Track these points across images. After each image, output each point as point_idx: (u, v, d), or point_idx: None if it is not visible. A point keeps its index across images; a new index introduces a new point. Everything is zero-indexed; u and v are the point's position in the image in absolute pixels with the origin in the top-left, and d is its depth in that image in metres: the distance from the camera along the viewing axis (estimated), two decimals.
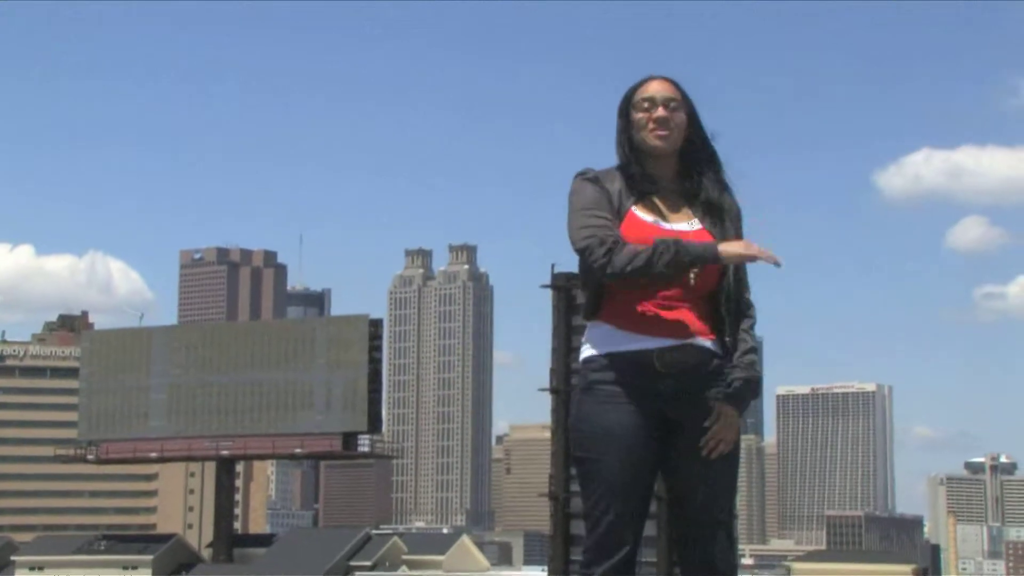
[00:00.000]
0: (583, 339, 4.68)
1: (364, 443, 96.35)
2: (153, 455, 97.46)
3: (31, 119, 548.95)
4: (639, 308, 4.51)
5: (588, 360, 4.57)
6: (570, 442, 4.71)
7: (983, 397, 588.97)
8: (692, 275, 4.49)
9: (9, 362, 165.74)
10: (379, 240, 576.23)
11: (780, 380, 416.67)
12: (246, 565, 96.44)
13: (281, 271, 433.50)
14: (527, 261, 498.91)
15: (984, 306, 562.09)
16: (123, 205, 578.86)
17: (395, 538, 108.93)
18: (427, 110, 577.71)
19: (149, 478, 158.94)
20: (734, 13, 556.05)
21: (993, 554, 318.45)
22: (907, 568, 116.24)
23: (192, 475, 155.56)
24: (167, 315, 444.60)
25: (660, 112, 4.58)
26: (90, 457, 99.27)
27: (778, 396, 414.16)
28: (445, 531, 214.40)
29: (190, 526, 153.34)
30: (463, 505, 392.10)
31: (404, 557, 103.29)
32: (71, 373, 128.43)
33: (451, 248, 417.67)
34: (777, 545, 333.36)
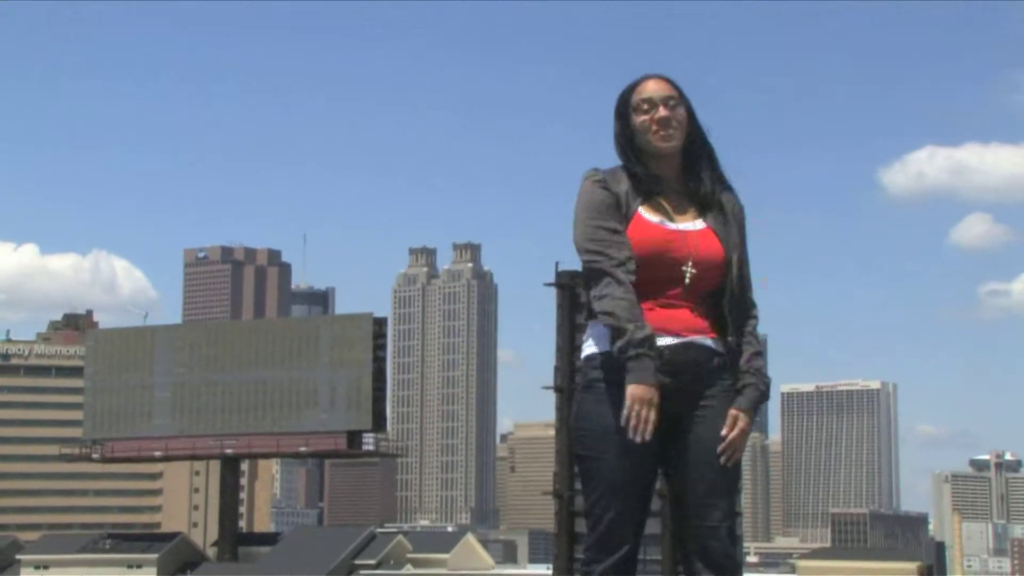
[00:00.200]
0: (584, 337, 4.69)
1: (369, 441, 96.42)
2: (158, 454, 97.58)
3: (35, 119, 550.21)
4: (641, 305, 4.51)
5: (589, 358, 4.58)
6: (572, 440, 4.73)
7: (988, 394, 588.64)
8: (688, 273, 4.51)
9: (14, 361, 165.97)
10: (383, 239, 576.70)
11: (784, 378, 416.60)
12: (251, 564, 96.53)
13: (285, 270, 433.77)
14: (531, 259, 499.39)
15: (988, 303, 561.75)
16: (127, 204, 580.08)
17: (400, 536, 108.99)
18: (431, 109, 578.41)
19: (154, 477, 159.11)
20: (736, 13, 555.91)
21: (998, 551, 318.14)
22: (912, 566, 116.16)
23: (197, 474, 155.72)
24: (171, 314, 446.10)
25: (662, 112, 4.57)
26: (95, 456, 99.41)
27: (783, 394, 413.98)
28: (450, 529, 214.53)
29: (195, 525, 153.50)
30: (467, 503, 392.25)
31: (409, 555, 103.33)
32: (76, 372, 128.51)
33: (455, 247, 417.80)
34: (782, 543, 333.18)
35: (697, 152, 4.67)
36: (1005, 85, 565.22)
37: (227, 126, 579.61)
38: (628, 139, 4.64)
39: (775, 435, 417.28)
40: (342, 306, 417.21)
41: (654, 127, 4.57)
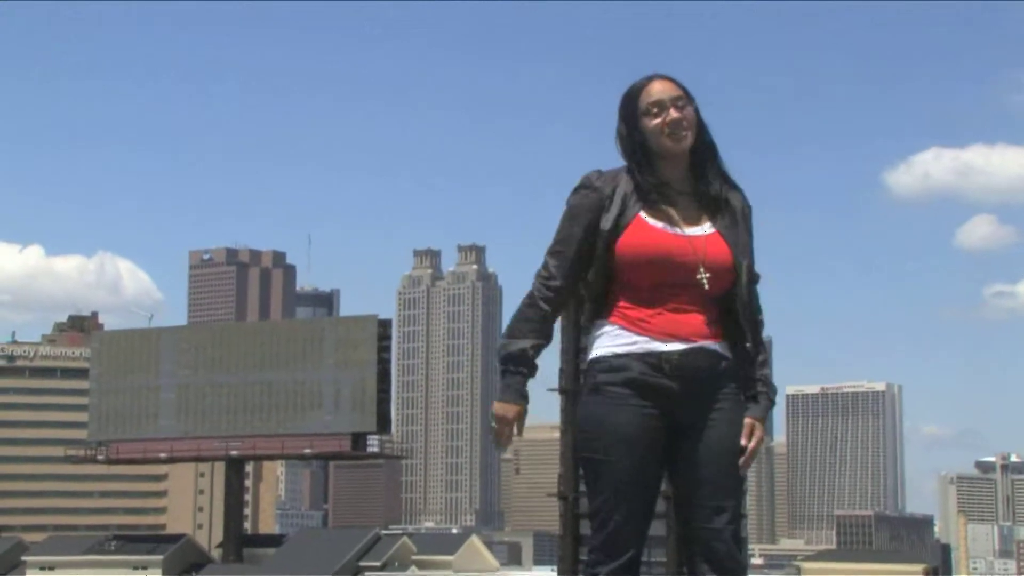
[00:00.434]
0: (590, 339, 4.66)
1: (373, 443, 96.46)
2: (163, 455, 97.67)
3: (39, 120, 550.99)
4: (647, 310, 4.49)
5: (596, 360, 4.54)
6: (576, 442, 4.70)
7: (993, 396, 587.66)
8: (704, 278, 4.47)
9: (19, 363, 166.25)
10: (388, 240, 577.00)
11: (789, 379, 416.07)
12: (256, 565, 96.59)
13: (290, 271, 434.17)
14: (536, 261, 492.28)
15: (994, 305, 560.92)
16: (132, 206, 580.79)
17: (404, 538, 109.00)
18: (435, 110, 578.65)
19: (159, 478, 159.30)
20: (739, 13, 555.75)
21: (1004, 553, 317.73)
22: (917, 567, 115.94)
23: (202, 475, 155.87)
24: (176, 316, 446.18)
25: (673, 114, 4.51)
26: (100, 457, 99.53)
27: (787, 396, 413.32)
28: (454, 531, 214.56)
29: (200, 526, 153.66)
30: (472, 505, 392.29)
31: (413, 557, 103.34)
32: (81, 373, 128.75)
33: (460, 248, 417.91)
34: (787, 545, 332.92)
35: (704, 151, 4.62)
36: (1011, 86, 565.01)
37: (231, 127, 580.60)
38: (638, 143, 4.58)
39: (780, 437, 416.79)
40: (347, 308, 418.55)
41: (666, 130, 4.52)
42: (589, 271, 4.58)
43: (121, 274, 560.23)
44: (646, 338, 4.48)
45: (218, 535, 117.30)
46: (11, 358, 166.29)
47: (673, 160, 4.59)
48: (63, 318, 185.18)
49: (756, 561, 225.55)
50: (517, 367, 4.54)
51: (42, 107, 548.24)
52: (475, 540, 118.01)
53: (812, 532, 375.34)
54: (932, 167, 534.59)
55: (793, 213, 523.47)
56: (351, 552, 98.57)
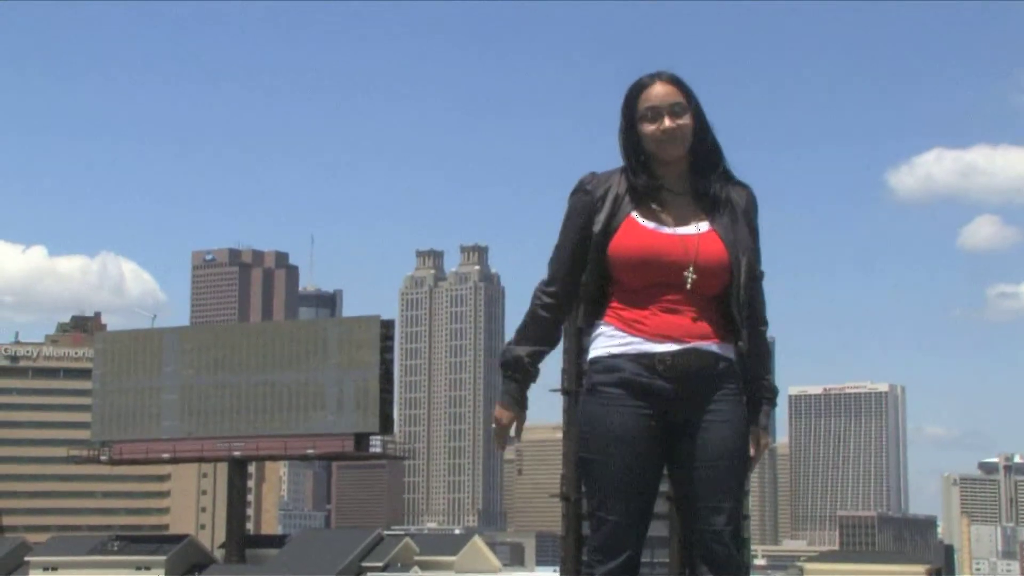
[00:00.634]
0: (588, 340, 4.69)
1: (376, 444, 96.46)
2: (166, 456, 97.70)
3: (43, 121, 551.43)
4: (641, 311, 4.54)
5: (592, 362, 4.58)
6: (575, 443, 4.73)
7: (996, 397, 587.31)
8: (690, 278, 4.47)
9: (22, 363, 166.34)
10: (390, 241, 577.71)
11: (792, 380, 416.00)
12: (258, 566, 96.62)
13: (293, 272, 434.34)
14: (538, 262, 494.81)
15: (997, 305, 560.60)
16: (135, 206, 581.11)
17: (407, 539, 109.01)
18: (438, 111, 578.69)
19: (162, 479, 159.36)
20: (742, 12, 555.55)
21: (1007, 554, 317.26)
22: (920, 568, 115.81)
23: (204, 476, 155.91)
24: (179, 316, 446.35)
25: (667, 123, 4.52)
26: (103, 458, 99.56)
27: (790, 396, 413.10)
28: (457, 532, 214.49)
29: (203, 527, 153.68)
30: (475, 506, 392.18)
31: (416, 558, 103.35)
32: (84, 374, 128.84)
33: (462, 249, 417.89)
34: (790, 545, 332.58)
35: (704, 151, 4.62)
36: (1014, 87, 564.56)
37: (234, 128, 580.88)
38: (634, 144, 4.60)
39: (783, 438, 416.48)
40: (349, 308, 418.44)
41: (660, 137, 4.53)
42: (581, 270, 4.61)
43: (124, 275, 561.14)
44: (640, 339, 4.50)
45: (221, 535, 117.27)
46: (14, 358, 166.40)
47: (669, 162, 4.60)
48: (66, 318, 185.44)
49: (759, 562, 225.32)
50: (513, 373, 4.64)
51: (45, 108, 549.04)
52: (477, 541, 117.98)
53: (815, 533, 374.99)
54: (935, 168, 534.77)
55: (796, 213, 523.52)
56: (354, 552, 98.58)
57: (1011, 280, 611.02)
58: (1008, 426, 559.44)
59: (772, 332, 4.91)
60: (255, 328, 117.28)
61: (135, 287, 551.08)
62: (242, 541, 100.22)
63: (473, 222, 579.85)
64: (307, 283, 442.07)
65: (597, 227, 4.54)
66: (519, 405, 4.63)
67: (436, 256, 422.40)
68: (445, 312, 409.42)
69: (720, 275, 4.52)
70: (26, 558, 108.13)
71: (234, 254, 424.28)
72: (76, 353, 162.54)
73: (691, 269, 4.46)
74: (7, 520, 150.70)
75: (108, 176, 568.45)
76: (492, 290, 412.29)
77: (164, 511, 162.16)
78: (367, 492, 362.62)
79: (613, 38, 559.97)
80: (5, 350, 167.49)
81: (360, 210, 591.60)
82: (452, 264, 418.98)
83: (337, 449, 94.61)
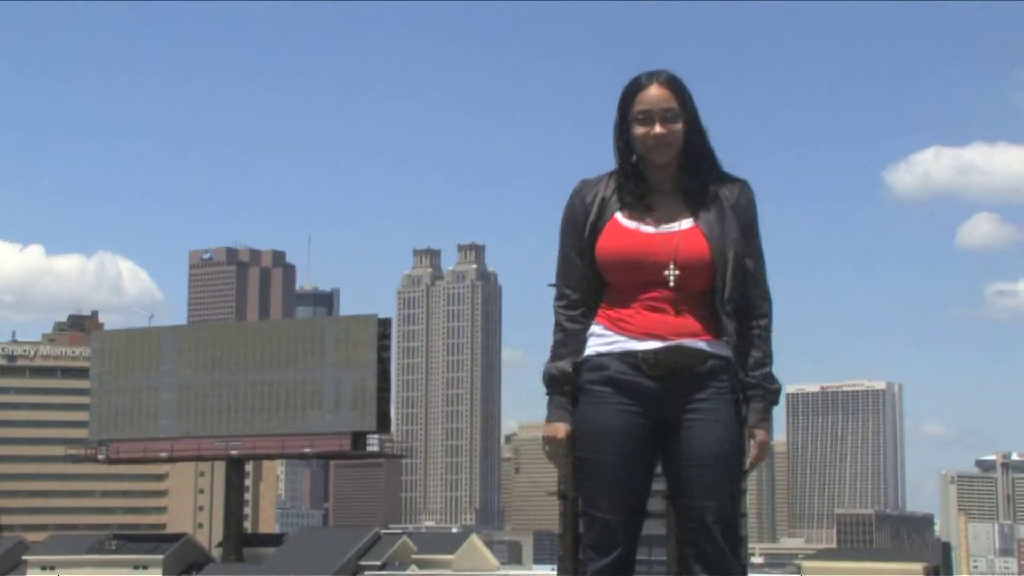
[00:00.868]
0: (583, 340, 4.69)
1: (373, 443, 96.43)
2: (163, 455, 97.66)
3: (39, 119, 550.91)
4: (627, 310, 4.54)
5: (584, 361, 4.61)
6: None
7: (994, 395, 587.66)
8: (672, 275, 4.49)
9: (20, 362, 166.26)
10: (388, 240, 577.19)
11: (790, 378, 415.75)
12: (256, 565, 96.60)
13: (290, 271, 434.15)
14: (535, 260, 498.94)
15: (995, 303, 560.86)
16: (132, 205, 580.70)
17: (404, 537, 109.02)
18: (435, 109, 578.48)
19: (159, 478, 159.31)
20: (740, 11, 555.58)
21: (1004, 552, 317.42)
22: (918, 566, 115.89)
23: (202, 475, 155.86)
24: (176, 315, 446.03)
25: (658, 129, 4.52)
26: (101, 457, 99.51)
27: (788, 394, 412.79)
28: (454, 530, 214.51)
29: (200, 526, 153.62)
30: (472, 504, 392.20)
31: (414, 556, 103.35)
32: (81, 373, 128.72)
33: (459, 247, 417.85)
34: (787, 543, 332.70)
35: (696, 155, 4.62)
36: (1012, 84, 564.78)
37: (231, 127, 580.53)
38: (626, 144, 4.63)
39: (780, 435, 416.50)
40: (347, 307, 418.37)
41: (649, 142, 4.55)
42: (591, 277, 4.63)
43: (121, 274, 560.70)
44: (625, 337, 4.53)
45: (218, 534, 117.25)
46: (12, 358, 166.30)
47: (659, 164, 4.62)
48: (63, 318, 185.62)
49: (757, 560, 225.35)
50: (561, 388, 4.61)
51: (42, 107, 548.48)
52: (475, 539, 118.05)
53: (812, 531, 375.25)
54: (933, 166, 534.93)
55: (793, 211, 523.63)
56: (351, 551, 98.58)
57: (1009, 278, 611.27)
58: (1006, 424, 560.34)
59: None
60: (252, 327, 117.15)
61: (132, 286, 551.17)
62: (239, 540, 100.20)
63: (470, 221, 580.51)
64: (304, 282, 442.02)
65: (587, 231, 4.59)
66: (570, 416, 4.59)
67: (433, 255, 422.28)
68: (442, 311, 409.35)
69: (703, 271, 4.51)
70: (24, 557, 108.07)
71: (231, 253, 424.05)
72: (73, 352, 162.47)
73: (672, 266, 4.48)
74: (5, 519, 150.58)
75: (105, 175, 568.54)
76: (489, 289, 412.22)
77: (162, 510, 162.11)
78: (364, 491, 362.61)
79: (610, 37, 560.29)
80: (2, 349, 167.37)
81: (357, 209, 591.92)
82: (449, 263, 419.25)
83: (334, 448, 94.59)
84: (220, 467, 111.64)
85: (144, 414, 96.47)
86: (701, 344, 4.52)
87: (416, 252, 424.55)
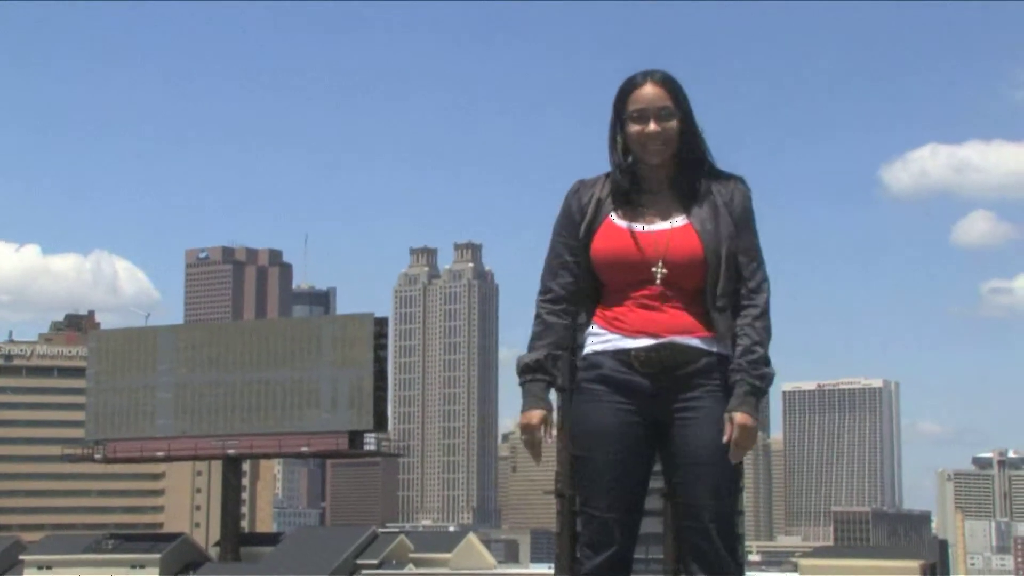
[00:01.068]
0: (581, 339, 4.72)
1: (370, 441, 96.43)
2: (160, 454, 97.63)
3: (35, 118, 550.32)
4: (620, 308, 4.57)
5: (580, 359, 4.65)
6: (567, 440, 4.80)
7: (990, 392, 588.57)
8: (660, 272, 4.51)
9: (16, 362, 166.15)
10: (384, 239, 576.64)
11: (786, 376, 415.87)
12: (253, 564, 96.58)
13: (286, 270, 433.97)
14: (532, 259, 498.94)
15: (991, 301, 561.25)
16: (129, 205, 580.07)
17: (402, 536, 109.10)
18: (431, 108, 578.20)
19: (156, 477, 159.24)
20: (737, 9, 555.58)
21: (1001, 549, 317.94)
22: (915, 564, 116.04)
23: (199, 474, 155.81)
24: (173, 314, 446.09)
25: (652, 127, 4.55)
26: (97, 456, 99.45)
27: (784, 392, 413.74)
28: (452, 529, 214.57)
29: (197, 525, 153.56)
30: (470, 503, 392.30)
31: (411, 555, 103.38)
32: (78, 373, 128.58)
33: (456, 246, 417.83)
34: (784, 541, 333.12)
35: (690, 154, 4.65)
36: (1008, 82, 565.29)
37: (228, 126, 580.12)
38: (621, 143, 4.65)
39: (777, 434, 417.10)
40: (343, 306, 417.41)
41: (643, 140, 4.58)
42: (580, 276, 4.66)
43: (118, 273, 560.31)
44: (618, 335, 4.55)
45: (215, 534, 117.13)
46: (8, 357, 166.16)
47: (654, 163, 4.64)
48: (60, 317, 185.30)
49: (754, 558, 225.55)
50: (533, 375, 4.62)
51: (39, 106, 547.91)
52: (472, 538, 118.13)
53: (809, 529, 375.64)
54: (929, 163, 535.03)
55: (790, 210, 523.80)
56: (348, 550, 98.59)
57: (1005, 276, 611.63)
58: (1002, 421, 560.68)
59: None
60: (249, 326, 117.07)
61: (129, 285, 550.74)
62: (237, 539, 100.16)
63: (467, 220, 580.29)
64: (301, 281, 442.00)
65: (582, 232, 4.62)
66: (544, 402, 4.58)
67: (430, 253, 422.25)
68: (439, 309, 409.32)
69: (694, 268, 4.53)
70: (20, 557, 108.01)
71: (228, 252, 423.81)
72: (70, 352, 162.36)
73: (660, 264, 4.50)
74: (1, 519, 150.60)
75: (102, 175, 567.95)
76: (486, 287, 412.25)
77: (159, 509, 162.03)
78: (362, 490, 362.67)
79: (608, 35, 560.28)
80: None
81: (354, 208, 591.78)
82: (446, 261, 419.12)
83: (331, 447, 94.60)
84: (217, 466, 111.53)
85: (141, 413, 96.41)
86: (694, 341, 4.53)
87: (413, 251, 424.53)
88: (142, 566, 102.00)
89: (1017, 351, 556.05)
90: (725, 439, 4.44)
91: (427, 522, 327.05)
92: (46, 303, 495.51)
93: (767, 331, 4.55)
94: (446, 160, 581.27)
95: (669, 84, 4.59)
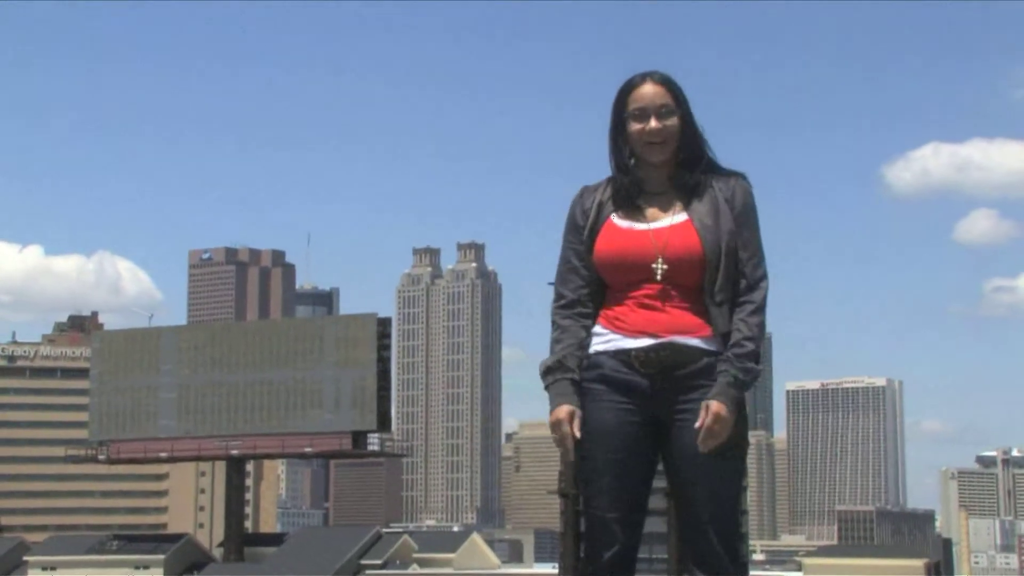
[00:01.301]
0: (587, 341, 4.73)
1: (374, 442, 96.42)
2: (163, 455, 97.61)
3: (38, 119, 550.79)
4: (621, 307, 4.58)
5: (585, 359, 4.64)
6: None
7: (994, 390, 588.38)
8: (659, 269, 4.51)
9: (20, 363, 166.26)
10: (387, 239, 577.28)
11: (789, 376, 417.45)
12: (257, 564, 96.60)
13: (289, 270, 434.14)
14: (535, 258, 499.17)
15: (994, 299, 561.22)
16: (131, 205, 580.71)
17: (405, 536, 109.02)
18: (435, 108, 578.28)
19: (160, 478, 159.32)
20: (739, 7, 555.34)
21: (1005, 547, 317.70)
22: (919, 562, 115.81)
23: (202, 475, 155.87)
24: (176, 315, 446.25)
25: (653, 124, 4.58)
26: (101, 457, 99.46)
27: (787, 392, 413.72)
28: (455, 529, 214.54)
29: (201, 525, 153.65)
30: (473, 503, 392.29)
31: (415, 555, 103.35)
32: (81, 373, 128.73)
33: (459, 246, 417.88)
34: (788, 540, 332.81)
35: (691, 149, 4.66)
36: (1010, 81, 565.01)
37: (230, 126, 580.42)
38: (622, 144, 4.67)
39: (780, 433, 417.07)
40: (346, 306, 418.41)
41: (644, 138, 4.60)
42: (590, 280, 4.67)
43: (121, 274, 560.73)
44: (619, 335, 4.55)
45: (219, 534, 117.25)
46: (11, 358, 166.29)
47: (655, 163, 4.65)
48: (63, 318, 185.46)
49: (758, 557, 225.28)
50: (555, 376, 4.60)
51: (41, 106, 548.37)
52: (476, 538, 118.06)
53: (813, 528, 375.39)
54: (931, 162, 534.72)
55: (792, 208, 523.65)
56: (352, 550, 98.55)
57: (1007, 274, 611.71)
58: (1005, 419, 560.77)
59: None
60: (252, 327, 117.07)
61: (132, 286, 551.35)
62: (240, 540, 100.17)
63: (470, 219, 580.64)
64: (304, 281, 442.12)
65: (586, 234, 4.64)
66: (571, 397, 4.54)
67: (433, 253, 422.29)
68: (442, 309, 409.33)
69: (694, 265, 4.53)
70: (25, 558, 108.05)
71: (230, 253, 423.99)
72: (73, 352, 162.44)
73: (660, 261, 4.49)
74: (5, 520, 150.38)
75: (104, 175, 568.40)
76: (489, 287, 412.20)
77: (162, 510, 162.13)
78: (365, 490, 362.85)
79: (611, 34, 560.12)
80: (2, 350, 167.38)
81: (356, 208, 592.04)
82: (449, 261, 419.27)
83: (335, 447, 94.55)
84: (220, 467, 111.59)
85: (144, 414, 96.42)
86: (694, 341, 4.52)
87: (416, 251, 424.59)
88: (146, 567, 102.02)
89: (1020, 349, 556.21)
90: (697, 424, 4.42)
91: (431, 522, 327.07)
92: (49, 304, 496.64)
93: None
94: (449, 160, 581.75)
95: (668, 83, 4.64)
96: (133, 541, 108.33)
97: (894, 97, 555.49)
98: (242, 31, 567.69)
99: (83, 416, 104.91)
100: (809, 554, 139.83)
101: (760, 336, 4.51)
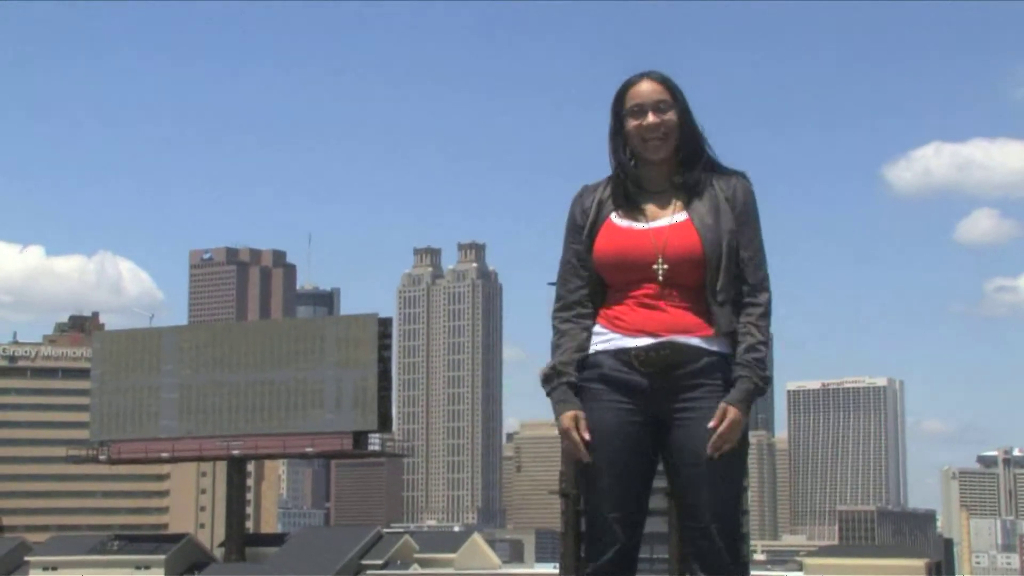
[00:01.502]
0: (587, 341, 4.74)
1: (375, 442, 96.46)
2: (165, 455, 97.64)
3: (40, 119, 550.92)
4: (621, 307, 4.57)
5: (584, 359, 4.63)
6: None
7: (995, 390, 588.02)
8: (661, 269, 4.50)
9: (21, 363, 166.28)
10: (388, 239, 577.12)
11: (790, 375, 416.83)
12: (258, 564, 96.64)
13: (290, 271, 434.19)
14: (536, 258, 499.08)
15: (995, 299, 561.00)
16: (132, 206, 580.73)
17: (406, 536, 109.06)
18: (436, 108, 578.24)
19: (161, 478, 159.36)
20: (741, 4, 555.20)
21: (1007, 547, 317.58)
22: (920, 562, 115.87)
23: (203, 475, 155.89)
24: (177, 315, 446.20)
25: (650, 119, 4.58)
26: (102, 457, 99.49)
27: (788, 392, 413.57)
28: (456, 529, 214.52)
29: (202, 526, 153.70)
30: (474, 503, 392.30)
31: (415, 555, 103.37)
32: (82, 374, 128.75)
33: (460, 246, 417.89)
34: (789, 540, 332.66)
35: (690, 147, 4.66)
36: (1011, 80, 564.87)
37: (230, 126, 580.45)
38: (621, 143, 4.67)
39: (782, 433, 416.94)
40: (347, 306, 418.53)
41: (642, 134, 4.59)
42: (590, 280, 4.66)
43: (122, 274, 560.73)
44: (619, 335, 4.54)
45: (220, 534, 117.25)
46: (12, 359, 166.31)
47: (655, 161, 4.64)
48: (64, 318, 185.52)
49: (759, 557, 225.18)
50: (553, 382, 4.61)
51: (42, 106, 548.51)
52: (477, 538, 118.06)
53: (814, 528, 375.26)
54: (932, 162, 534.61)
55: (793, 208, 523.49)
56: (353, 550, 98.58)
57: (1009, 274, 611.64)
58: (1006, 419, 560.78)
59: (770, 327, 4.82)
60: (253, 327, 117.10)
61: (133, 286, 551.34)
62: (241, 540, 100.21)
63: (470, 219, 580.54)
64: (305, 281, 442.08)
65: (586, 234, 4.64)
66: (573, 402, 4.56)
67: (433, 254, 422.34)
68: (443, 310, 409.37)
69: (694, 264, 4.52)
70: (26, 558, 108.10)
71: (231, 253, 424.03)
72: (74, 353, 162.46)
73: (660, 260, 4.49)
74: (6, 520, 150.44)
75: (105, 175, 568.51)
76: (490, 287, 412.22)
77: (163, 510, 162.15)
78: (366, 490, 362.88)
79: (609, 34, 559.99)
80: (3, 350, 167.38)
81: (357, 208, 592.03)
82: (450, 262, 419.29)
83: (336, 447, 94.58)
84: (222, 467, 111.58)
85: (145, 414, 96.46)
86: (694, 340, 4.51)
87: (416, 251, 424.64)
88: (147, 567, 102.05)
89: (1021, 349, 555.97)
90: (712, 424, 4.42)
91: (432, 522, 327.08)
92: (50, 304, 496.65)
93: (768, 332, 4.59)
94: (449, 160, 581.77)
95: (665, 81, 4.64)
96: (134, 541, 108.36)
97: (895, 96, 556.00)
98: (242, 31, 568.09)
99: (84, 416, 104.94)
100: (810, 554, 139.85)
101: (769, 341, 4.57)
